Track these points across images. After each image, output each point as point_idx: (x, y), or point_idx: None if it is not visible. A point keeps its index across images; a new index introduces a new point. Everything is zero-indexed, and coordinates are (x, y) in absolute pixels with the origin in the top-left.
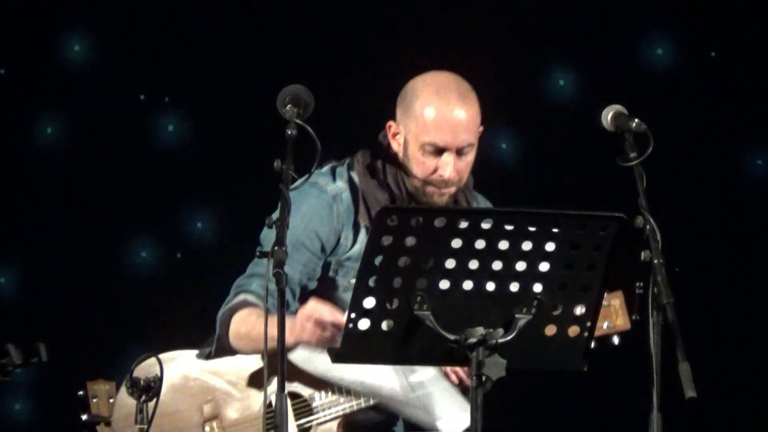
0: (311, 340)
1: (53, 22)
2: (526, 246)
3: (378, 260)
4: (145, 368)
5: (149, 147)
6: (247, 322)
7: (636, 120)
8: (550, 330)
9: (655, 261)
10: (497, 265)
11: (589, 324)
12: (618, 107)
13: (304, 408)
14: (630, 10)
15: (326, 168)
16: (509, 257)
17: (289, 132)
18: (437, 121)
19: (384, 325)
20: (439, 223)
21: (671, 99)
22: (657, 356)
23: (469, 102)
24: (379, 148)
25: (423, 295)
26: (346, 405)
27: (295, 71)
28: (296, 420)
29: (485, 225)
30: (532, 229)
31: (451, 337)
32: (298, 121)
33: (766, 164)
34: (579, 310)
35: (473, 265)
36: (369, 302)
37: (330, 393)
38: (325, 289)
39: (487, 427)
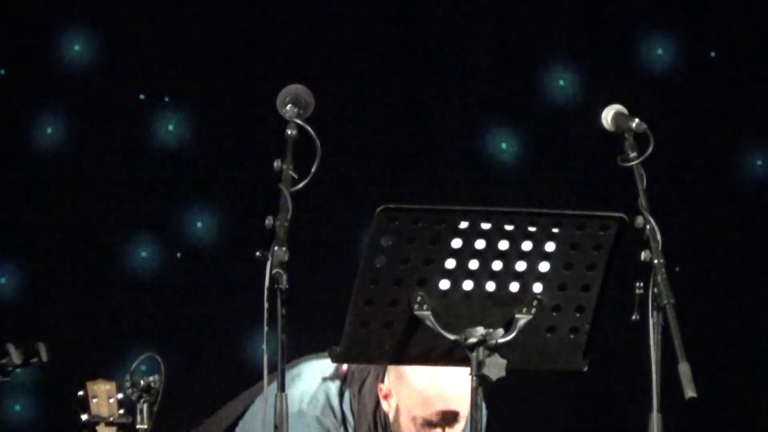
0: None
1: (53, 22)
2: (526, 246)
3: (378, 260)
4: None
5: (149, 147)
6: None
7: (636, 120)
8: (550, 330)
9: (655, 261)
10: (497, 265)
11: (588, 324)
12: (618, 107)
13: None
14: (630, 10)
15: (322, 401)
16: (509, 257)
17: (289, 132)
18: (431, 396)
19: (384, 325)
20: (439, 223)
21: (671, 99)
22: (657, 356)
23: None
24: (371, 390)
25: (423, 295)
26: None
27: (295, 71)
28: None
29: (485, 225)
30: (532, 229)
31: (451, 337)
32: (298, 121)
33: (766, 164)
34: (579, 310)
35: (473, 265)
36: (369, 302)
37: None
38: None
39: (487, 428)
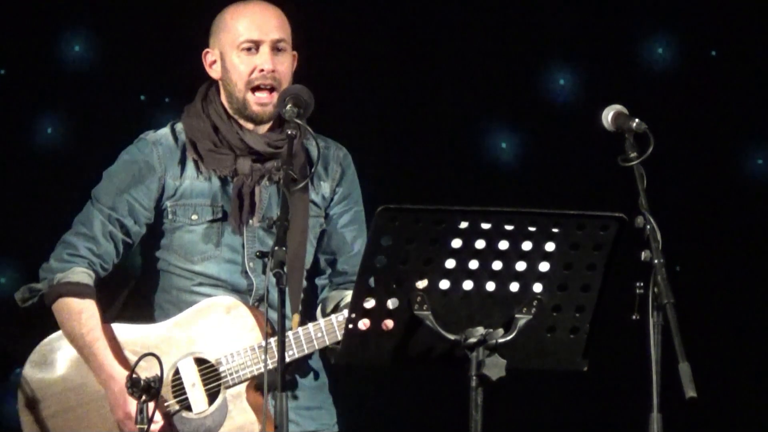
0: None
1: (53, 22)
2: (526, 246)
3: (378, 260)
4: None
5: None
6: (73, 322)
7: (636, 120)
8: (550, 330)
9: (655, 261)
10: (497, 265)
11: (588, 324)
12: (618, 107)
13: (211, 373)
14: (630, 10)
15: None
16: (509, 257)
17: (289, 132)
18: (245, 19)
19: (384, 325)
20: (439, 223)
21: (671, 99)
22: (657, 356)
23: (276, 8)
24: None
25: (423, 295)
26: (254, 367)
27: (294, 71)
28: (204, 385)
29: (485, 225)
30: (532, 229)
31: (451, 337)
32: (298, 121)
33: (766, 164)
34: (579, 310)
35: (473, 265)
36: (369, 302)
37: (237, 356)
38: (171, 231)
39: (487, 427)
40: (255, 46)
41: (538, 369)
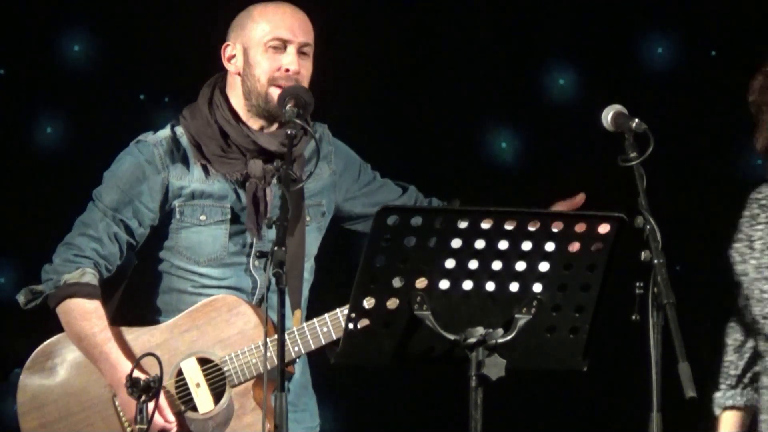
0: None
1: (53, 22)
2: (526, 246)
3: (378, 260)
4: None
5: None
6: (83, 322)
7: (636, 120)
8: (550, 330)
9: (655, 261)
10: (497, 265)
11: (588, 324)
12: (618, 107)
13: (216, 373)
14: (630, 10)
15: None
16: (509, 257)
17: (289, 132)
18: (276, 18)
19: (384, 325)
20: (438, 223)
21: (671, 99)
22: (657, 356)
23: (303, 13)
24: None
25: (423, 295)
26: (260, 365)
27: None
28: (209, 385)
29: (485, 225)
30: (532, 229)
31: (451, 337)
32: (298, 120)
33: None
34: (579, 310)
35: (473, 265)
36: (369, 302)
37: (242, 355)
38: (177, 231)
39: (487, 427)
40: (283, 45)
41: (538, 369)
